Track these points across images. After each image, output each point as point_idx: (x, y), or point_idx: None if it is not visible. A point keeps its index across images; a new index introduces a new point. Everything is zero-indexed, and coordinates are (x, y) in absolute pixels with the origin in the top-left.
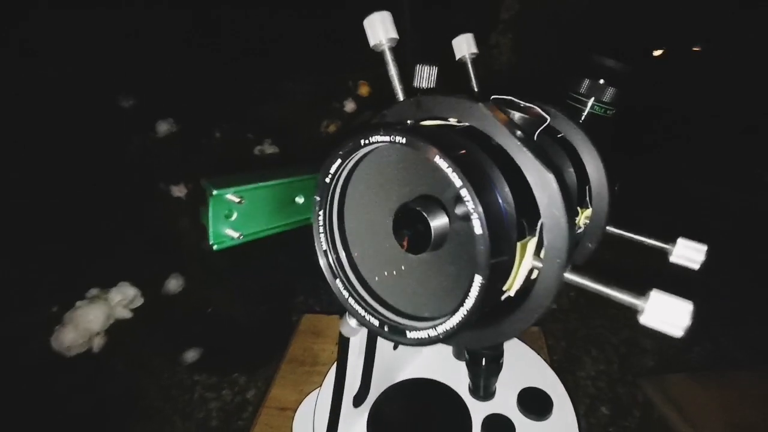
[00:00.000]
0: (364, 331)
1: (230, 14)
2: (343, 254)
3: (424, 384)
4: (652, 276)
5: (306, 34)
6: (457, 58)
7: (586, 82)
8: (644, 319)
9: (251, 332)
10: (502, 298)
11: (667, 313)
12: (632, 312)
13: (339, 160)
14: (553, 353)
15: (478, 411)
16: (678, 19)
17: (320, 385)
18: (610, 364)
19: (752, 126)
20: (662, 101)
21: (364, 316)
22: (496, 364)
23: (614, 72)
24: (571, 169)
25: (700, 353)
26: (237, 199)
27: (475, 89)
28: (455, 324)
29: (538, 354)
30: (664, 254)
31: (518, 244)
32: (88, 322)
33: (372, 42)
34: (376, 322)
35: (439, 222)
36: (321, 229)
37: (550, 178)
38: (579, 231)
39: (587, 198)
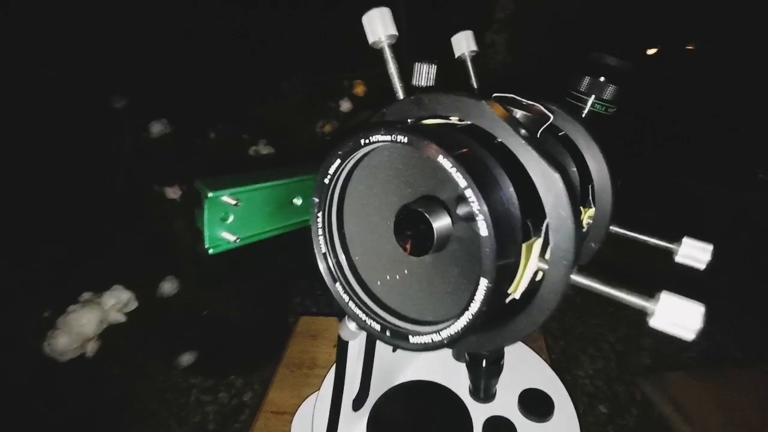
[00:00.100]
0: (364, 334)
1: (224, 14)
2: (342, 257)
3: (424, 386)
4: (651, 276)
5: (301, 34)
6: (456, 56)
7: (587, 79)
8: (654, 322)
9: (247, 334)
10: (507, 300)
11: (678, 316)
12: (630, 310)
13: (338, 161)
14: (550, 352)
15: (479, 413)
16: (678, 18)
17: (318, 389)
18: (607, 362)
19: (752, 126)
20: (662, 101)
21: (365, 321)
22: (496, 366)
23: (615, 69)
24: (574, 168)
25: (699, 352)
26: (233, 201)
27: (475, 87)
28: (460, 328)
29: (539, 355)
30: (664, 254)
31: (523, 246)
32: (81, 326)
33: (371, 39)
34: (378, 327)
35: (441, 223)
36: (320, 232)
37: (556, 177)
38: (583, 231)
39: (590, 197)
